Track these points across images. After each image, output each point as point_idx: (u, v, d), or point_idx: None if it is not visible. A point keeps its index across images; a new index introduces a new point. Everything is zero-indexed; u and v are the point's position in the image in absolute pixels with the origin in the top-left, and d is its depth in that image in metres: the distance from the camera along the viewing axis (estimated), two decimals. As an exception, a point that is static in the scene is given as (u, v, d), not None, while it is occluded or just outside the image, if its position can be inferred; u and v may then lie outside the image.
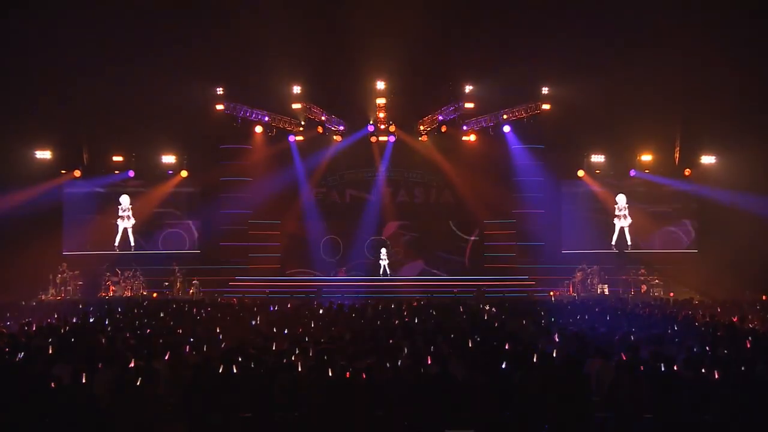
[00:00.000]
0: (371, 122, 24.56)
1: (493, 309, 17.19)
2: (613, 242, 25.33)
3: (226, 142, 24.62)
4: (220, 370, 9.29)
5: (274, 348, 10.76)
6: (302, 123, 24.57)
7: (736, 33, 21.27)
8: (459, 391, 8.75)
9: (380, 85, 24.12)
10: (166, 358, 9.92)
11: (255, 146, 24.79)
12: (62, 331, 12.81)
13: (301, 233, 25.67)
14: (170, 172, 25.23)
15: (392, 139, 24.99)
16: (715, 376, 8.75)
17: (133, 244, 25.07)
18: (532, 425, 8.63)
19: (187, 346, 10.84)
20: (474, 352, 10.34)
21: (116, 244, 25.02)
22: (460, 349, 10.49)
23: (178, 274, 24.34)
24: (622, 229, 25.35)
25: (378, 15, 22.52)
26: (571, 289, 24.27)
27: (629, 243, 25.22)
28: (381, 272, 25.42)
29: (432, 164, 25.49)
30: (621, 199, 25.45)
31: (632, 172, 25.16)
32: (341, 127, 24.87)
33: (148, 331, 12.88)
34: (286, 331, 12.86)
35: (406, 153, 25.44)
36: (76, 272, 23.84)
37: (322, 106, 24.36)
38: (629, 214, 25.37)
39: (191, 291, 23.76)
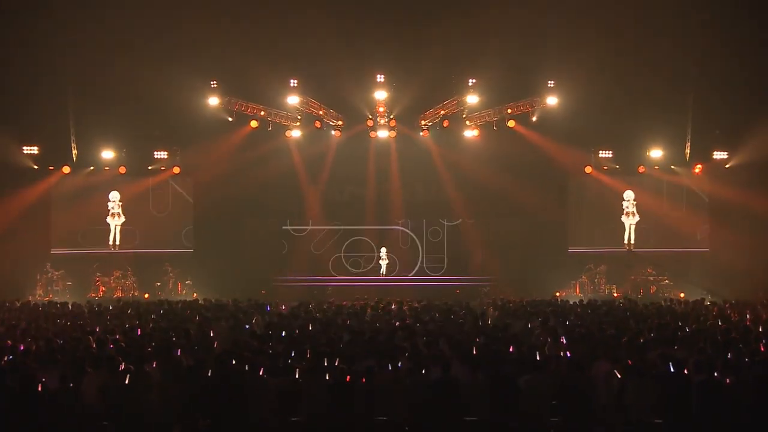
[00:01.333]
0: (370, 117, 24.50)
1: (497, 310, 17.18)
2: (626, 241, 25.31)
3: (220, 137, 24.52)
4: (214, 374, 9.28)
5: (269, 351, 10.73)
6: (299, 117, 24.51)
7: (749, 22, 21.23)
8: (462, 395, 8.73)
9: (380, 78, 24.04)
10: (158, 361, 9.89)
11: (250, 141, 24.68)
12: (49, 333, 12.77)
13: (298, 231, 25.63)
14: (162, 168, 25.18)
15: (392, 134, 24.93)
16: (727, 380, 8.72)
17: (118, 243, 25.03)
18: (538, 431, 8.61)
19: (180, 349, 10.81)
20: (477, 354, 10.31)
21: (111, 242, 25.01)
22: (463, 351, 10.46)
23: (171, 275, 24.34)
24: (630, 227, 25.33)
25: (378, 5, 22.49)
26: (577, 289, 24.29)
27: (632, 242, 25.21)
28: (380, 272, 25.38)
29: (434, 160, 25.42)
30: (629, 195, 25.42)
31: (641, 168, 25.10)
32: (340, 122, 24.82)
33: (139, 333, 12.85)
34: (282, 333, 12.85)
35: (406, 148, 25.38)
36: (61, 271, 23.82)
37: (320, 100, 24.29)
38: (637, 212, 25.34)
39: (182, 291, 23.78)
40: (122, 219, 25.07)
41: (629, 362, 9.29)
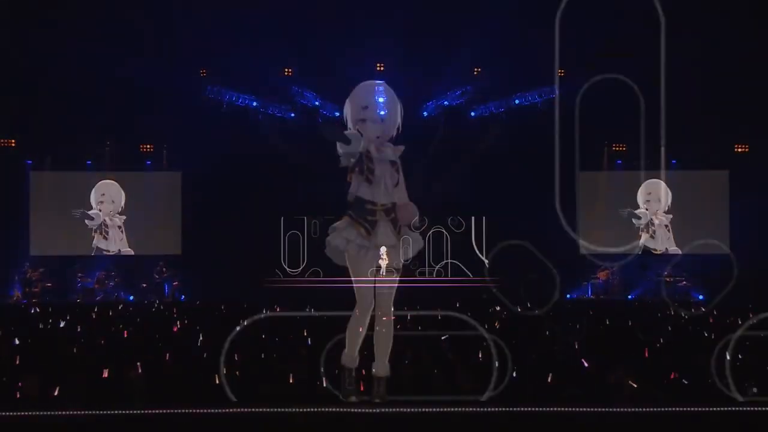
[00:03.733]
0: (369, 108, 24.46)
1: (504, 313, 17.17)
2: (642, 241, 25.31)
3: (210, 129, 24.50)
4: (203, 382, 9.27)
5: (263, 356, 10.73)
6: (293, 108, 24.49)
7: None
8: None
9: (380, 67, 24.02)
10: (143, 368, 9.89)
11: (242, 134, 24.65)
12: (28, 338, 12.76)
13: (294, 230, 25.61)
14: (148, 162, 25.19)
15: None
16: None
17: (101, 242, 25.03)
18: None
19: (167, 355, 10.81)
20: (481, 359, 10.31)
21: (94, 242, 25.02)
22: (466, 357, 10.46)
23: (157, 275, 24.37)
24: (650, 226, 25.34)
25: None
26: (589, 291, 24.31)
27: (650, 243, 25.23)
28: (379, 273, 25.27)
29: (435, 154, 25.39)
30: (647, 194, 25.39)
31: (658, 163, 25.09)
32: (336, 114, 24.81)
33: (124, 337, 12.86)
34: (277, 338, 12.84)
35: (407, 142, 25.32)
36: (42, 269, 23.84)
37: (316, 89, 24.27)
38: (657, 210, 25.34)
39: (169, 293, 23.82)
40: (107, 217, 25.05)
41: (643, 370, 9.29)
